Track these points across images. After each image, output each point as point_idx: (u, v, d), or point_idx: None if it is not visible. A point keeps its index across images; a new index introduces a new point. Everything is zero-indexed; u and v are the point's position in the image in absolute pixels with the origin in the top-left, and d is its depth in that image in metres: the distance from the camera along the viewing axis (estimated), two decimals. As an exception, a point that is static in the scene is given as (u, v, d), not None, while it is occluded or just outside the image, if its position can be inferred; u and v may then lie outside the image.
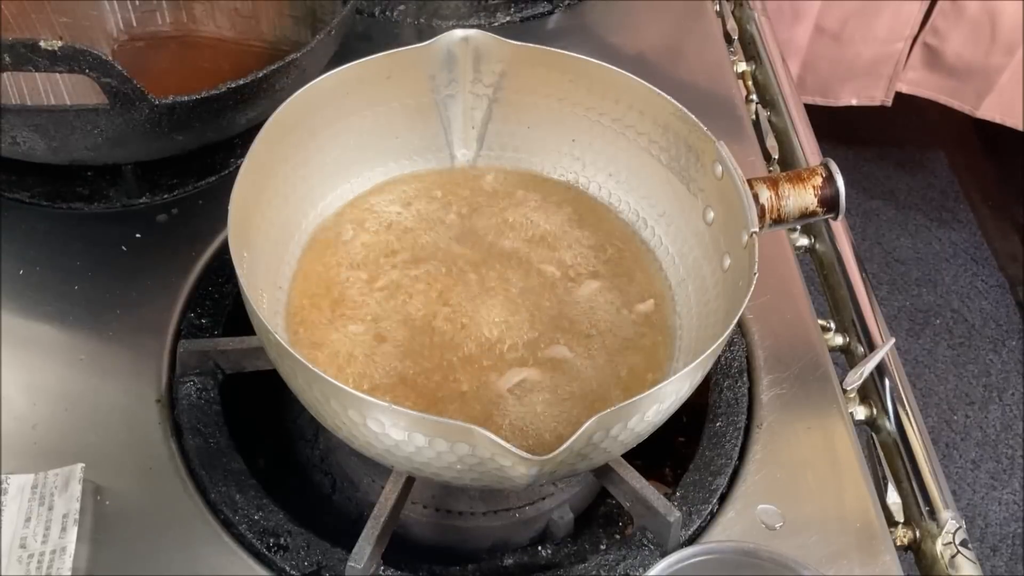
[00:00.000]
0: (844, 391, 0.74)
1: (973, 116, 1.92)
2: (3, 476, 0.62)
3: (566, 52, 0.71)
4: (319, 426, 0.68)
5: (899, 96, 1.94)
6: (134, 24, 0.93)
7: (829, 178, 0.65)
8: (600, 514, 0.74)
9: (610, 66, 0.70)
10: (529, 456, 0.49)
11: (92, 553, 0.60)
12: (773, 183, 0.65)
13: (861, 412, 0.75)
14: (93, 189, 0.81)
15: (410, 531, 0.69)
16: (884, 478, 0.71)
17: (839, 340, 0.80)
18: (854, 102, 1.95)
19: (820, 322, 0.79)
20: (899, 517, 0.68)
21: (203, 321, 0.73)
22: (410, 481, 0.62)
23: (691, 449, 0.71)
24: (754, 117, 1.00)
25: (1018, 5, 1.74)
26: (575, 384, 0.64)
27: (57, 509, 0.61)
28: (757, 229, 0.61)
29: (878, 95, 1.93)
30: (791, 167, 0.94)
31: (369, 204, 0.73)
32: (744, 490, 0.67)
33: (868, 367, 0.74)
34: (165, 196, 0.81)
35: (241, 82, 0.73)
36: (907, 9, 1.79)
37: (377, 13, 1.01)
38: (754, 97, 1.03)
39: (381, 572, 0.61)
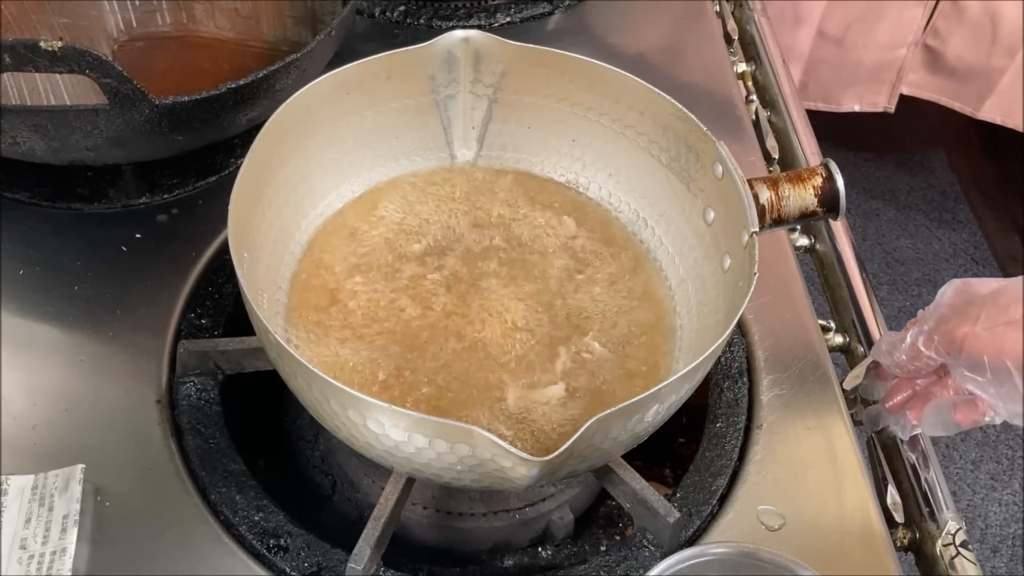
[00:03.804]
0: (844, 391, 0.73)
1: (974, 118, 1.91)
2: (3, 477, 0.62)
3: (566, 52, 0.71)
4: (319, 427, 0.68)
5: (900, 98, 1.93)
6: (134, 24, 0.93)
7: (829, 178, 0.65)
8: (600, 515, 0.74)
9: (610, 66, 0.70)
10: (529, 457, 0.49)
11: (92, 554, 0.60)
12: (773, 183, 0.65)
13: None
14: (93, 189, 0.81)
15: (410, 532, 0.69)
16: (884, 478, 0.71)
17: (839, 340, 0.80)
18: (856, 108, 1.94)
19: (820, 322, 0.79)
20: (899, 518, 0.68)
21: (203, 321, 0.73)
22: (410, 482, 0.62)
23: (691, 450, 0.71)
24: (754, 117, 1.00)
25: (1018, 6, 1.73)
26: (575, 385, 0.64)
27: (57, 510, 0.61)
28: (757, 229, 0.61)
29: (881, 101, 1.93)
30: (791, 167, 0.94)
31: (369, 204, 0.73)
32: (744, 491, 0.67)
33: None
34: (165, 196, 0.81)
35: (241, 82, 0.73)
36: (909, 15, 1.79)
37: (377, 13, 1.01)
38: (754, 98, 1.03)
39: (381, 573, 0.61)
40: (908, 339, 0.64)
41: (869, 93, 1.92)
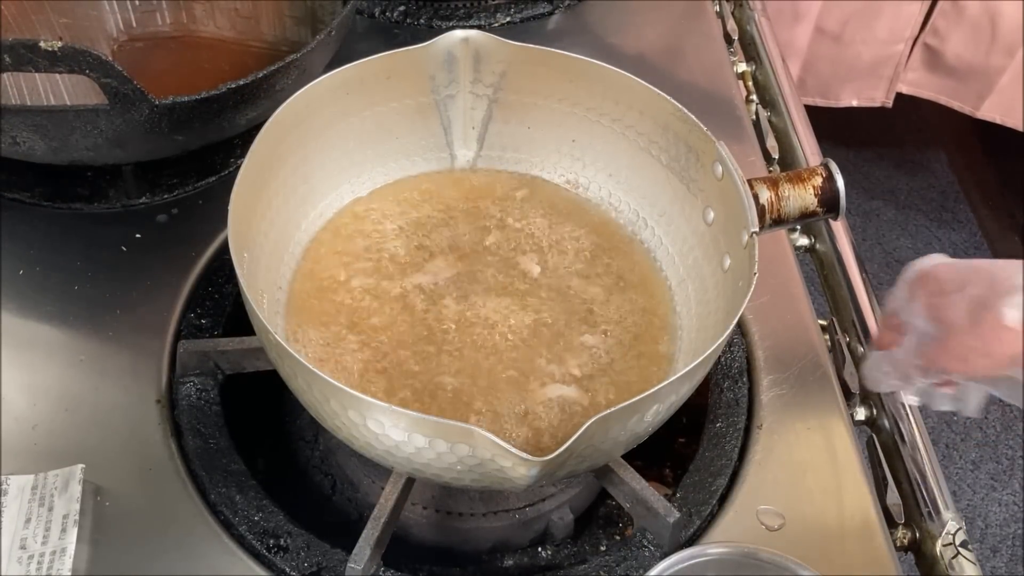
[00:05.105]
0: (844, 391, 0.73)
1: (973, 117, 1.92)
2: (3, 477, 0.62)
3: (566, 52, 0.71)
4: (319, 427, 0.68)
5: (899, 97, 1.94)
6: (134, 24, 0.93)
7: (829, 178, 0.65)
8: (600, 515, 0.74)
9: (610, 66, 0.70)
10: (529, 457, 0.49)
11: (92, 554, 0.60)
12: (773, 183, 0.65)
13: (861, 412, 0.75)
14: (93, 189, 0.81)
15: (410, 532, 0.69)
16: (884, 478, 0.71)
17: (839, 340, 0.80)
18: (854, 103, 1.94)
19: (820, 322, 0.79)
20: (899, 518, 0.68)
21: (203, 321, 0.73)
22: (410, 482, 0.62)
23: (691, 450, 0.71)
24: (754, 117, 1.00)
25: (1018, 6, 1.74)
26: (574, 385, 0.64)
27: (57, 510, 0.61)
28: (757, 229, 0.61)
29: (879, 96, 1.93)
30: (791, 167, 0.94)
31: (369, 205, 0.73)
32: (744, 491, 0.67)
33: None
34: (165, 196, 0.81)
35: (241, 82, 0.73)
36: (907, 10, 1.79)
37: (377, 13, 1.01)
38: (754, 97, 1.03)
39: (381, 573, 0.61)
40: (893, 372, 0.62)
41: (867, 88, 1.92)
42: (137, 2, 0.93)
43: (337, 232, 0.71)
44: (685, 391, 0.58)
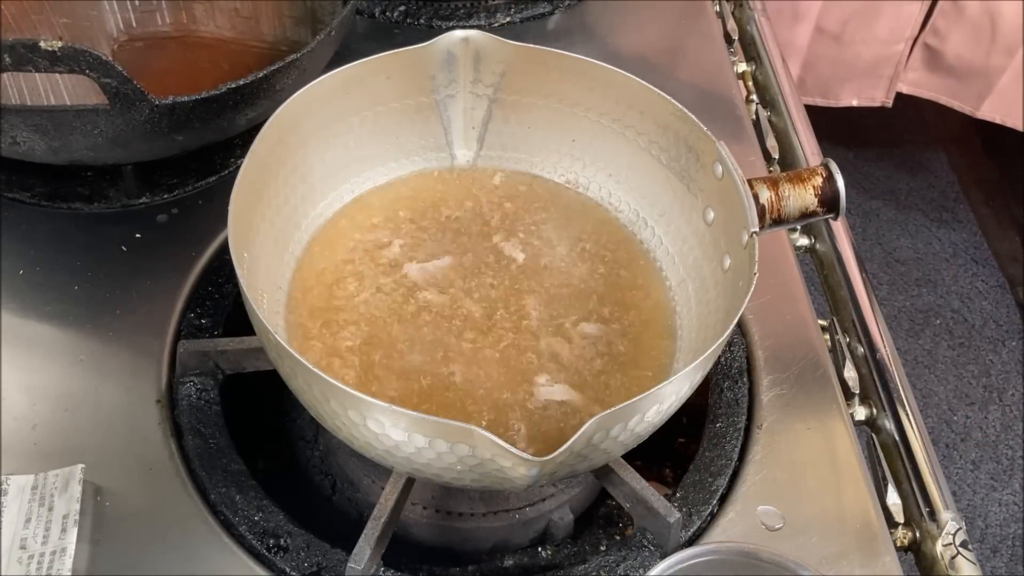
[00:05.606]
0: (844, 391, 0.73)
1: (973, 117, 1.92)
2: (3, 477, 0.62)
3: (566, 52, 0.71)
4: (319, 427, 0.68)
5: (899, 96, 1.94)
6: (134, 24, 0.93)
7: (829, 178, 0.65)
8: (600, 515, 0.74)
9: (610, 66, 0.70)
10: (529, 457, 0.49)
11: (92, 554, 0.60)
12: (773, 183, 0.65)
13: (861, 412, 0.75)
14: (93, 189, 0.81)
15: (410, 532, 0.69)
16: (884, 478, 0.71)
17: (839, 340, 0.80)
18: (854, 103, 1.95)
19: (820, 322, 0.79)
20: (899, 518, 0.68)
21: (203, 321, 0.73)
22: (410, 482, 0.62)
23: (691, 450, 0.71)
24: (754, 117, 1.00)
25: (1018, 5, 1.74)
26: (574, 385, 0.64)
27: (57, 510, 0.61)
28: (757, 229, 0.61)
29: (879, 96, 1.93)
30: (791, 167, 0.94)
31: (369, 205, 0.73)
32: (744, 491, 0.67)
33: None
34: (165, 196, 0.81)
35: (241, 82, 0.73)
36: (907, 10, 1.79)
37: (377, 13, 1.01)
38: (754, 97, 1.03)
39: (381, 573, 0.61)
40: None
41: (867, 88, 1.93)
42: (137, 2, 0.93)
43: (337, 231, 0.71)
44: (685, 391, 0.58)
